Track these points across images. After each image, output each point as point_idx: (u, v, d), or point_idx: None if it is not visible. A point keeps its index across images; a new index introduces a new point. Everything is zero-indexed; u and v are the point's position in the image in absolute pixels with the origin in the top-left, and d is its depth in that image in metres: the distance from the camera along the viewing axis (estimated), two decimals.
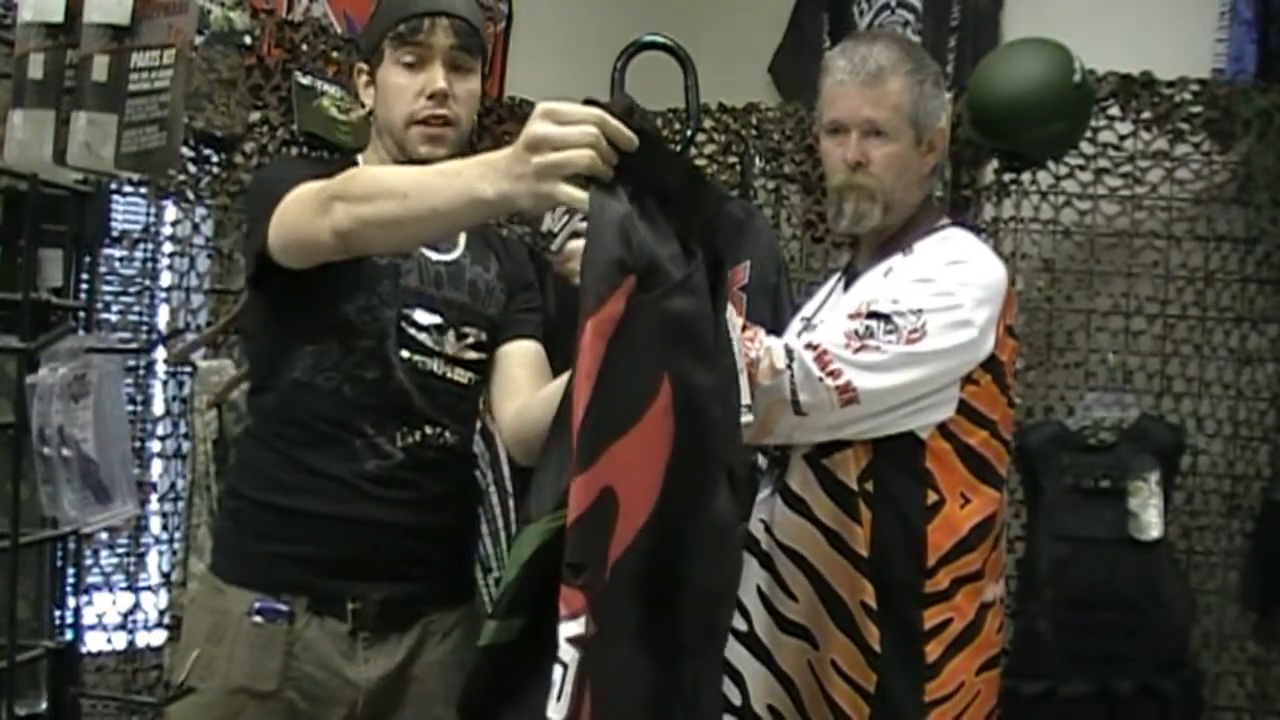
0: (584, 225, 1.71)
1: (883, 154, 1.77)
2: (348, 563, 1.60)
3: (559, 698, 1.04)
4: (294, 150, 2.47)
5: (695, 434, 1.14)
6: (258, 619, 1.59)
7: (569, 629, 1.05)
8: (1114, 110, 2.93)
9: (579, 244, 1.72)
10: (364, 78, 1.75)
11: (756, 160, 3.19)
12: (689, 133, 2.51)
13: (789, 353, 1.64)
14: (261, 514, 1.64)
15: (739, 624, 1.79)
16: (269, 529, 1.64)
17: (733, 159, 3.21)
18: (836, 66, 1.80)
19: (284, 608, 1.59)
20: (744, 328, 1.68)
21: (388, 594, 1.62)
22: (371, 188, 1.41)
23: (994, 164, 2.98)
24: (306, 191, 1.47)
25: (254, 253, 1.57)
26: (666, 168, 1.25)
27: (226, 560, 1.69)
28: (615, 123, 1.22)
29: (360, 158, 1.80)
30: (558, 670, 1.05)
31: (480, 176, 1.29)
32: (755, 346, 1.64)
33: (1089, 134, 2.89)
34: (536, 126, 1.24)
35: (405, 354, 1.65)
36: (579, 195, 1.19)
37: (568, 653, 1.05)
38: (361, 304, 1.62)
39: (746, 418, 1.36)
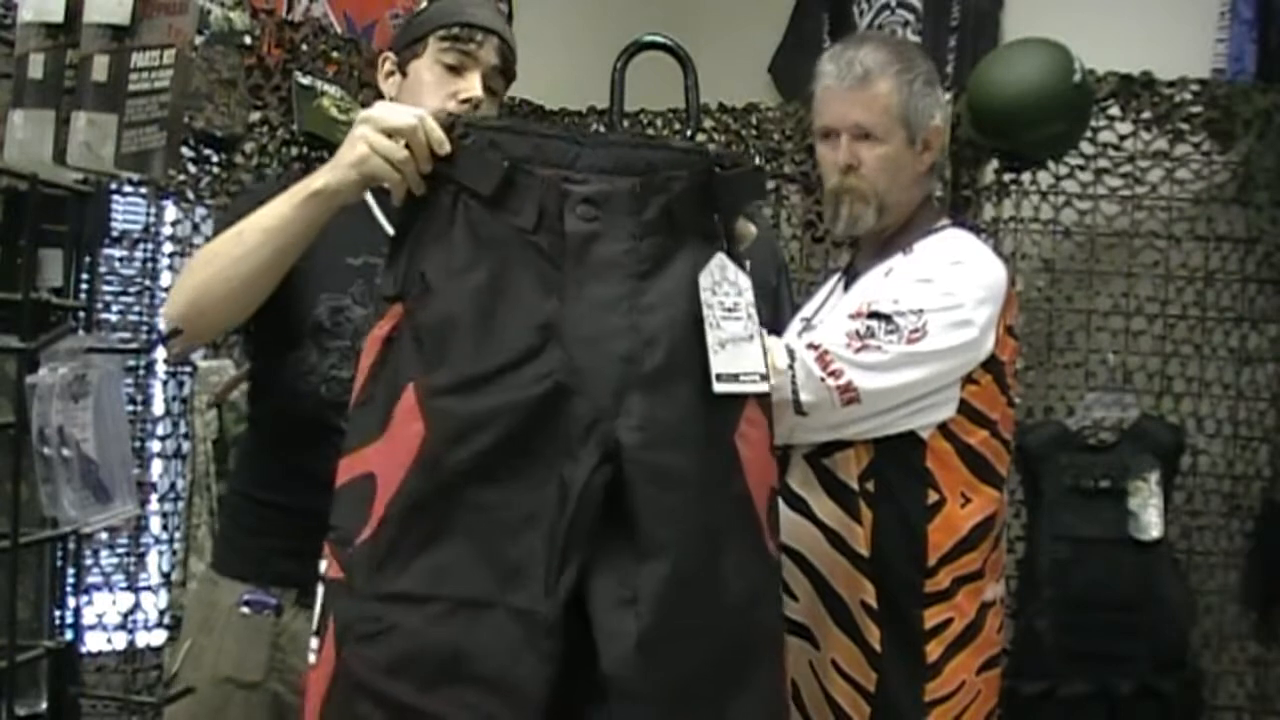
0: None
1: (874, 156, 1.77)
2: None
3: (314, 619, 1.27)
4: (293, 150, 2.47)
5: (444, 427, 1.24)
6: (245, 610, 1.63)
7: (320, 566, 1.27)
8: (1114, 110, 2.94)
9: None
10: (389, 66, 1.76)
11: (756, 160, 3.19)
12: (689, 133, 2.52)
13: (790, 353, 1.64)
14: (253, 509, 1.68)
15: None
16: (260, 524, 1.67)
17: None
18: (825, 71, 1.81)
19: (272, 600, 1.63)
20: None
21: None
22: (203, 255, 1.51)
23: (994, 164, 2.98)
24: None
25: None
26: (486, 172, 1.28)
27: (223, 555, 1.74)
28: (437, 131, 1.26)
29: None
30: (316, 600, 1.27)
31: (305, 181, 1.39)
32: None
33: (1089, 134, 2.89)
34: (371, 111, 1.31)
35: None
36: (382, 169, 1.27)
37: (319, 587, 1.26)
38: (334, 305, 1.64)
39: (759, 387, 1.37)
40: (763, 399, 1.31)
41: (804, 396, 1.62)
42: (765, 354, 1.32)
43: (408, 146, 1.25)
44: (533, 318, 1.22)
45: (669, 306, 1.26)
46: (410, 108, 1.30)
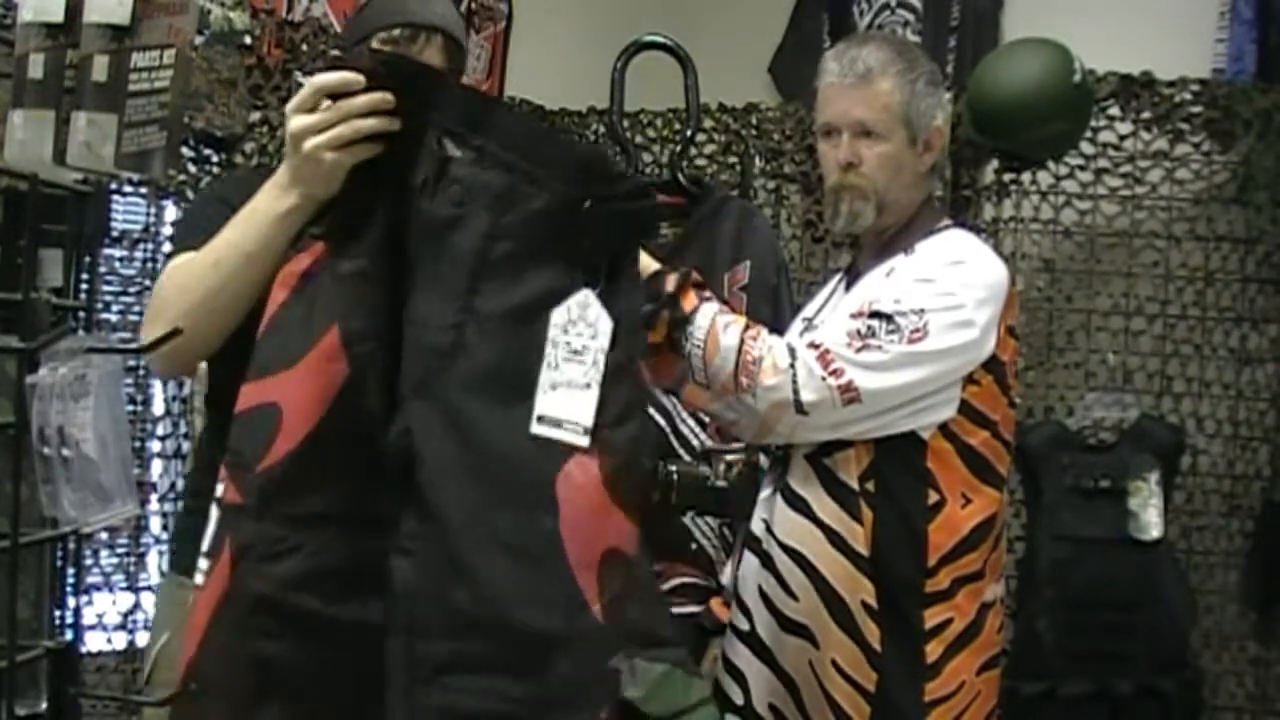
0: None
1: (875, 154, 1.77)
2: None
3: (206, 540, 1.31)
4: None
5: (363, 374, 1.30)
6: None
7: (216, 491, 1.31)
8: (1114, 110, 2.93)
9: None
10: None
11: (756, 160, 3.19)
12: (689, 133, 2.52)
13: (791, 352, 1.64)
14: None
15: (740, 623, 1.79)
16: None
17: (733, 159, 3.21)
18: (828, 69, 1.81)
19: None
20: (747, 326, 1.68)
21: None
22: (177, 284, 1.50)
23: (994, 164, 2.98)
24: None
25: None
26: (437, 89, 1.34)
27: (189, 560, 1.62)
28: (326, 79, 1.32)
29: None
30: (208, 522, 1.31)
31: (274, 198, 1.39)
32: (758, 345, 1.65)
33: (1089, 134, 2.89)
34: (291, 124, 1.34)
35: None
36: (361, 149, 1.32)
37: (214, 510, 1.31)
38: None
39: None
40: (600, 457, 1.26)
41: (805, 396, 1.62)
42: (597, 408, 1.27)
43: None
44: (403, 286, 1.31)
45: (502, 321, 1.28)
46: (304, 120, 1.33)
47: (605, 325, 1.29)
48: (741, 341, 1.65)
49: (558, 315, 1.28)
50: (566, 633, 1.22)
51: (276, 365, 1.31)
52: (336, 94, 1.32)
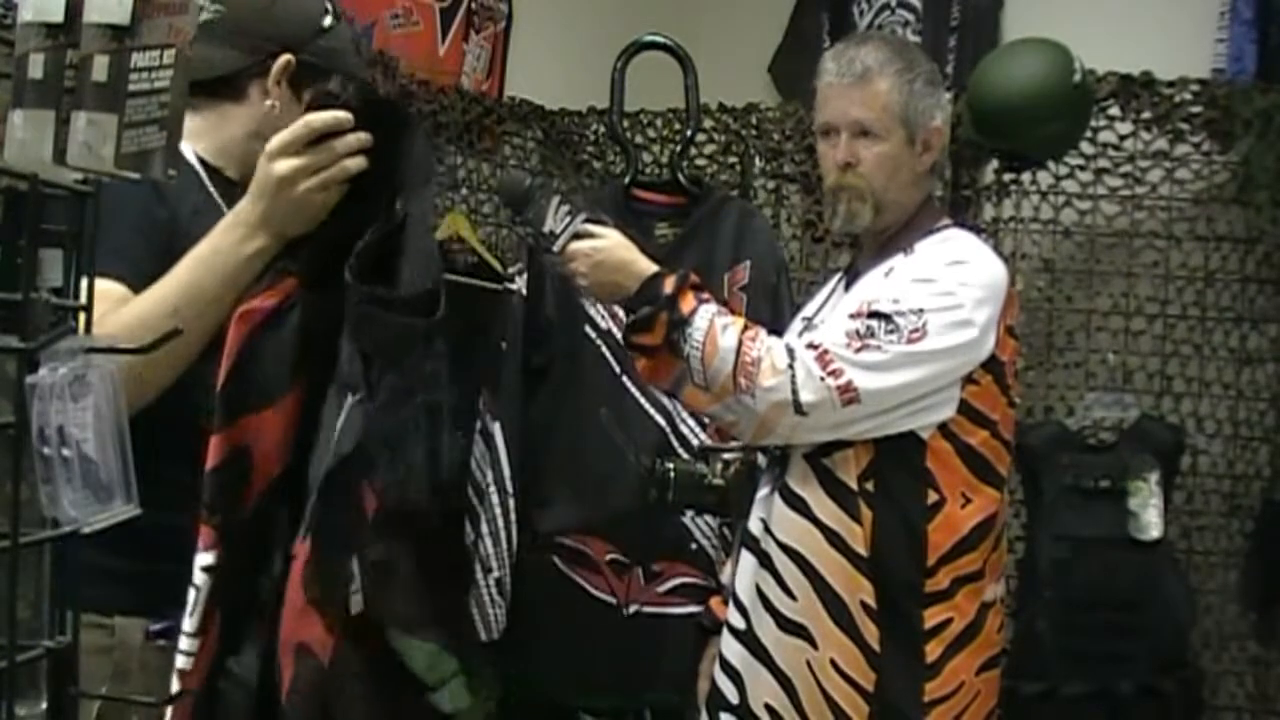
0: (586, 226, 1.74)
1: (873, 154, 1.78)
2: None
3: (191, 614, 1.28)
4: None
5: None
6: (160, 642, 1.49)
7: (202, 559, 1.28)
8: (1114, 110, 2.93)
9: (581, 244, 1.73)
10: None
11: (756, 160, 3.19)
12: (689, 133, 2.52)
13: (790, 352, 1.64)
14: (139, 536, 1.41)
15: (737, 622, 1.79)
16: (149, 550, 1.47)
17: (733, 159, 3.21)
18: (826, 69, 1.82)
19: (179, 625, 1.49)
20: (746, 327, 1.68)
21: None
22: (129, 335, 1.38)
23: (994, 164, 2.98)
24: None
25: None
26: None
27: (100, 589, 1.49)
28: (321, 119, 1.31)
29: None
30: (191, 593, 1.28)
31: (240, 239, 1.34)
32: (756, 346, 1.65)
33: (1089, 134, 2.89)
34: (278, 167, 1.30)
35: None
36: (334, 197, 1.32)
37: (200, 578, 1.28)
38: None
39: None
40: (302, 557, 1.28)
41: (804, 396, 1.62)
42: None
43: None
44: None
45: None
46: (296, 162, 1.30)
47: (358, 425, 1.28)
48: (740, 342, 1.65)
49: (339, 420, 1.28)
50: None
51: (247, 407, 1.27)
52: (321, 131, 1.30)
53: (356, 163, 1.30)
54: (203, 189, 1.59)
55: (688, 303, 1.68)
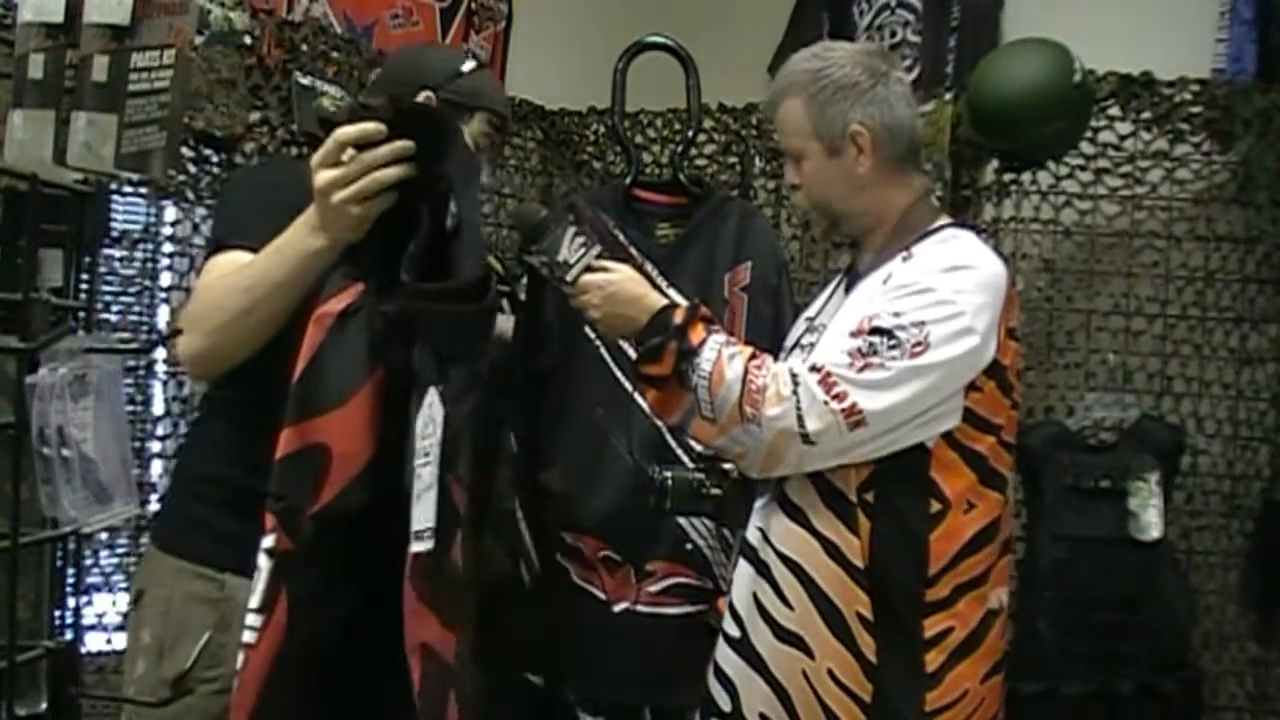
0: (599, 261, 1.77)
1: (805, 173, 1.83)
2: None
3: (254, 591, 1.32)
4: (294, 150, 2.47)
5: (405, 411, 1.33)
6: None
7: (265, 541, 1.32)
8: (1114, 110, 2.93)
9: (594, 277, 1.76)
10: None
11: (756, 160, 3.19)
12: (689, 133, 2.52)
13: (794, 378, 1.63)
14: (251, 502, 1.59)
15: (732, 630, 1.79)
16: (250, 511, 1.61)
17: (733, 159, 3.21)
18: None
19: None
20: (753, 355, 1.68)
21: None
22: (214, 299, 1.57)
23: (994, 164, 2.98)
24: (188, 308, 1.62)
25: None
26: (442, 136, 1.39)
27: (214, 546, 1.70)
28: (348, 132, 1.37)
29: None
30: (257, 575, 1.32)
31: (303, 236, 1.46)
32: (762, 374, 1.64)
33: (1089, 134, 2.89)
34: (316, 179, 1.40)
35: None
36: (381, 200, 1.38)
37: (263, 560, 1.32)
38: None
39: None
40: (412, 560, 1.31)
41: (810, 425, 1.61)
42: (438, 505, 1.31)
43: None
44: None
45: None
46: (327, 174, 1.39)
47: (440, 413, 1.32)
48: (746, 371, 1.64)
49: (420, 419, 1.32)
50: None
51: (322, 406, 1.33)
52: (359, 145, 1.37)
53: (391, 173, 1.36)
54: None
55: (697, 334, 1.68)
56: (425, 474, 1.29)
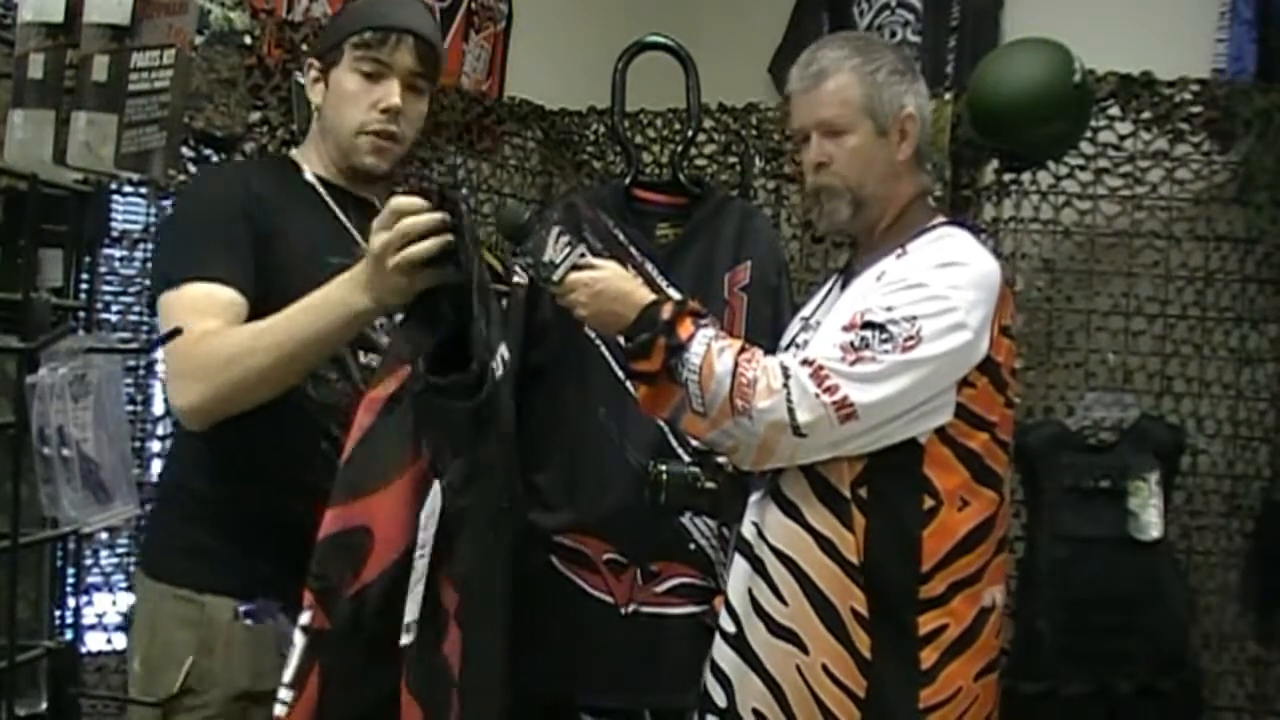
0: (585, 259, 1.78)
1: (843, 150, 1.79)
2: None
3: (288, 665, 1.34)
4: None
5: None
6: (248, 621, 1.61)
7: (301, 618, 1.35)
8: (1114, 110, 2.93)
9: (580, 275, 1.76)
10: (314, 73, 1.76)
11: (756, 160, 3.19)
12: (689, 133, 2.52)
13: (784, 371, 1.64)
14: (232, 520, 1.63)
15: (728, 626, 1.79)
16: (249, 535, 1.62)
17: (733, 159, 3.21)
18: (790, 79, 1.85)
19: (273, 606, 1.61)
20: (743, 349, 1.68)
21: None
22: (223, 350, 1.52)
23: (994, 164, 2.98)
24: (179, 348, 1.53)
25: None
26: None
27: (193, 568, 1.66)
28: (398, 202, 1.42)
29: (296, 153, 1.83)
30: (291, 650, 1.34)
31: (350, 292, 1.47)
32: (752, 367, 1.64)
33: (1089, 134, 2.89)
34: (373, 241, 1.43)
35: (363, 356, 1.67)
36: (428, 275, 1.43)
37: (298, 636, 1.34)
38: None
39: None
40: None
41: (801, 417, 1.62)
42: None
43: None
44: None
45: None
46: (384, 237, 1.42)
47: (438, 513, 1.36)
48: (736, 365, 1.64)
49: (424, 510, 1.36)
50: None
51: (366, 489, 1.35)
52: (406, 214, 1.42)
53: (425, 247, 1.40)
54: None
55: (685, 328, 1.68)
56: (419, 566, 1.32)
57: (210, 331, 1.54)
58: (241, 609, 1.60)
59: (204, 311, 1.55)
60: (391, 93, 1.69)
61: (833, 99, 1.78)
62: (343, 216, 1.74)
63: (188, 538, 1.70)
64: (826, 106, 1.79)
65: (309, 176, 1.78)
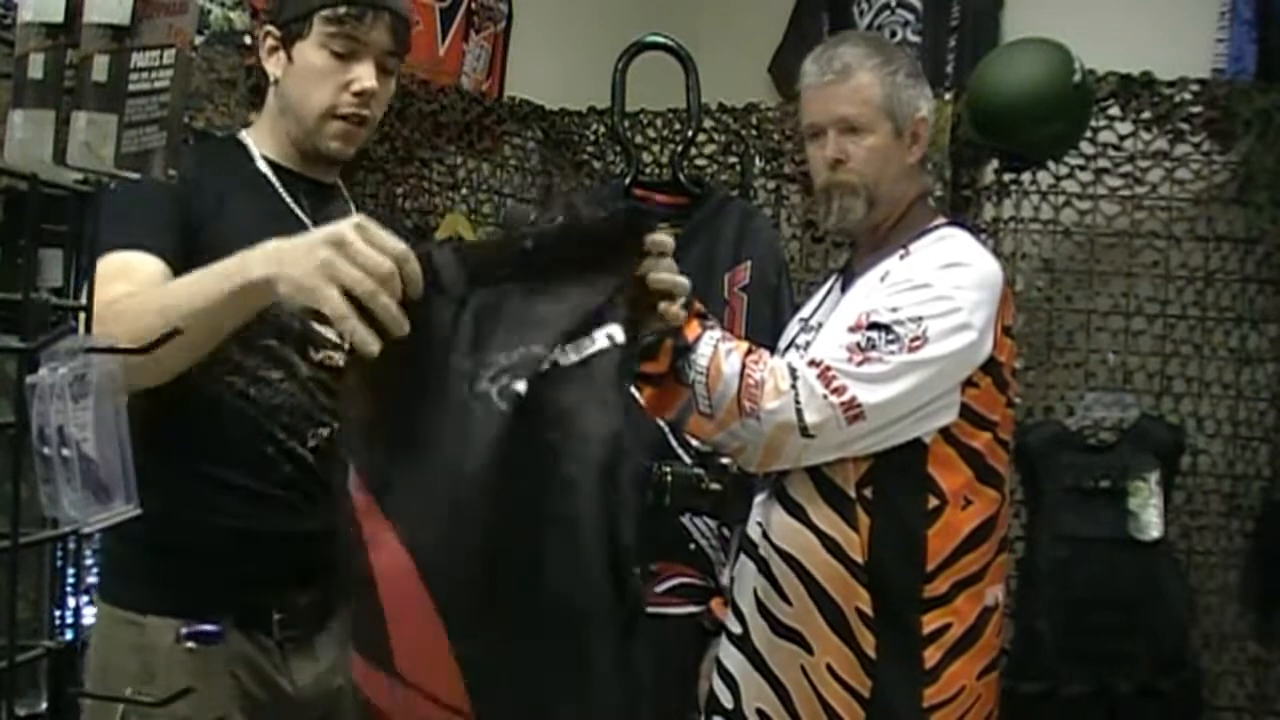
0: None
1: (861, 149, 1.78)
2: (269, 574, 1.53)
3: None
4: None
5: None
6: (190, 644, 1.49)
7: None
8: (1114, 110, 2.93)
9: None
10: (271, 42, 1.60)
11: (756, 160, 3.19)
12: (689, 133, 2.52)
13: (792, 372, 1.64)
14: (171, 533, 1.47)
15: (734, 627, 1.79)
16: (189, 549, 1.50)
17: (733, 159, 3.21)
18: (807, 72, 1.83)
19: (216, 629, 1.49)
20: (749, 350, 1.68)
21: (309, 599, 1.56)
22: (134, 311, 1.29)
23: (994, 164, 2.98)
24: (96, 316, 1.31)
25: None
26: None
27: (134, 588, 1.55)
28: (414, 267, 1.13)
29: (246, 134, 1.66)
30: None
31: (256, 259, 1.21)
32: (760, 369, 1.64)
33: (1089, 134, 2.89)
34: (346, 231, 1.13)
35: (314, 353, 1.55)
36: (338, 308, 1.11)
37: None
38: None
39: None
40: None
41: (809, 418, 1.61)
42: None
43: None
44: None
45: None
46: (392, 241, 1.13)
47: None
48: (743, 366, 1.64)
49: None
50: None
51: None
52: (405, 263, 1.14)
53: (385, 305, 1.11)
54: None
55: (692, 330, 1.68)
56: None
57: (121, 296, 1.36)
58: (184, 631, 1.48)
59: (114, 278, 1.37)
60: (366, 74, 1.55)
61: (854, 97, 1.78)
62: (291, 201, 1.61)
63: (126, 554, 1.59)
64: (848, 104, 1.78)
65: (259, 163, 1.62)
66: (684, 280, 1.28)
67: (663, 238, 1.25)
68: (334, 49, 1.55)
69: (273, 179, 1.61)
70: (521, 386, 1.14)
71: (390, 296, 1.10)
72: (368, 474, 1.18)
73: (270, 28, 1.61)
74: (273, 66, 1.60)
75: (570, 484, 1.14)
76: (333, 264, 1.11)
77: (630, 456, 1.20)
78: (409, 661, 1.17)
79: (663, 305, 1.26)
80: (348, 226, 1.14)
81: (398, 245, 1.13)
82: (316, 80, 1.56)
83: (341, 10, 1.54)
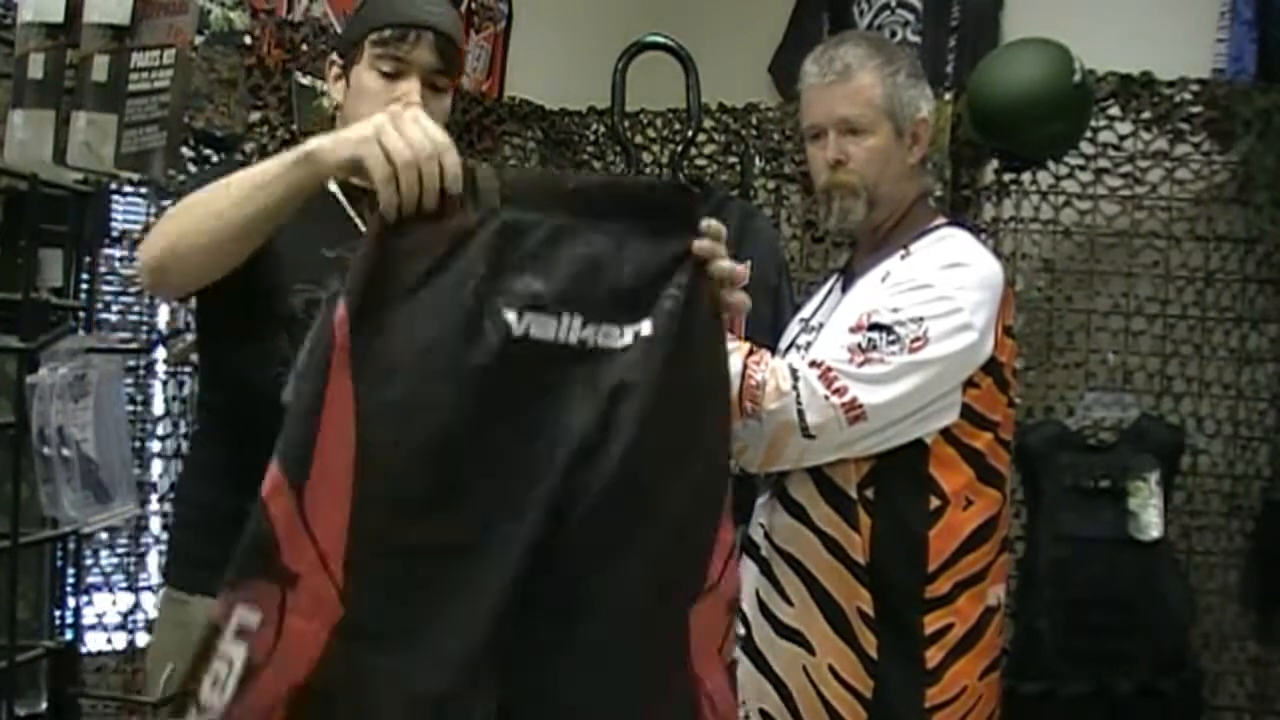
0: None
1: (862, 149, 1.77)
2: None
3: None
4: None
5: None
6: None
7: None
8: (1114, 110, 2.93)
9: None
10: (335, 70, 1.71)
11: (756, 160, 3.19)
12: (689, 133, 2.52)
13: (793, 373, 1.63)
14: (216, 518, 1.54)
15: (737, 629, 1.79)
16: (224, 533, 1.49)
17: (733, 159, 3.21)
18: (808, 72, 1.82)
19: None
20: (750, 351, 1.68)
21: None
22: (188, 199, 1.39)
23: (994, 164, 2.98)
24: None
25: None
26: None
27: (183, 569, 1.64)
28: (454, 159, 1.21)
29: None
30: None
31: (311, 140, 1.30)
32: (761, 369, 1.64)
33: (1089, 134, 2.89)
34: (403, 112, 1.25)
35: None
36: (381, 165, 1.20)
37: None
38: (309, 297, 1.56)
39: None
40: None
41: (810, 418, 1.61)
42: None
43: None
44: None
45: None
46: (440, 133, 1.23)
47: None
48: (744, 367, 1.64)
49: None
50: None
51: None
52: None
53: (406, 192, 1.20)
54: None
55: None
56: None
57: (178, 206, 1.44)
58: None
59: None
60: (411, 91, 1.64)
61: (856, 98, 1.77)
62: (351, 211, 1.67)
63: (183, 540, 1.69)
64: (849, 104, 1.77)
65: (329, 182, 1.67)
66: (744, 269, 1.32)
67: (717, 224, 1.31)
68: (382, 69, 1.65)
69: (335, 191, 1.67)
70: (538, 330, 1.18)
71: (425, 172, 1.20)
72: (351, 322, 1.20)
73: (334, 56, 1.73)
74: (337, 93, 1.71)
75: (535, 457, 1.17)
76: (384, 129, 1.22)
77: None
78: (314, 508, 1.21)
79: (724, 293, 1.29)
80: (407, 111, 1.26)
81: (444, 137, 1.23)
82: (369, 100, 1.63)
83: (387, 33, 1.64)
